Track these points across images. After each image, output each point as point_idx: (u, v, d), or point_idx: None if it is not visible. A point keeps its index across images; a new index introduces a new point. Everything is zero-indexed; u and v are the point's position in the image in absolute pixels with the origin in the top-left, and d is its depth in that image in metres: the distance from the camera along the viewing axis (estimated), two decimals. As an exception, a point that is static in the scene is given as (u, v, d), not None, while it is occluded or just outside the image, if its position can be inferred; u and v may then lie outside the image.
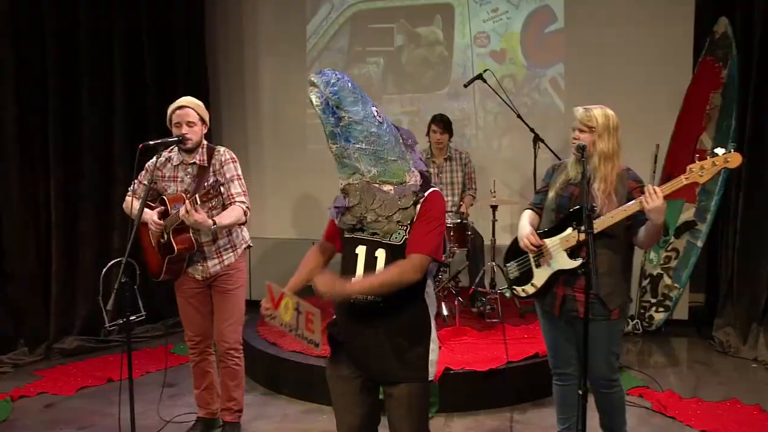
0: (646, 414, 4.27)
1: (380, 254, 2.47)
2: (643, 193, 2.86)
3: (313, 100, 2.35)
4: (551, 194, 3.20)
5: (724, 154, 2.78)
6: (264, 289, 2.57)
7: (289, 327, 2.51)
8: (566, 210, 3.09)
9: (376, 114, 2.44)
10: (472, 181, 6.02)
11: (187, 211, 3.40)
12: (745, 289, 5.49)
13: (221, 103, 7.35)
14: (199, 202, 3.39)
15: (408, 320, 2.51)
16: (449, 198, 5.89)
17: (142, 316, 3.74)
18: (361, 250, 2.49)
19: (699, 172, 2.80)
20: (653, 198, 2.79)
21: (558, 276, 3.11)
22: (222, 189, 3.39)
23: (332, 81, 2.35)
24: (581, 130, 3.04)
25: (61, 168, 5.72)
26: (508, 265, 3.38)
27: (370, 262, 2.47)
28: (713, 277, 6.12)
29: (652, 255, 5.90)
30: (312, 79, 2.36)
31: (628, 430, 3.37)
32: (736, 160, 2.77)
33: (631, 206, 2.90)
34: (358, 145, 2.40)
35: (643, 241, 3.01)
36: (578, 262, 2.99)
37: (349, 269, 2.51)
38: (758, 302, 5.35)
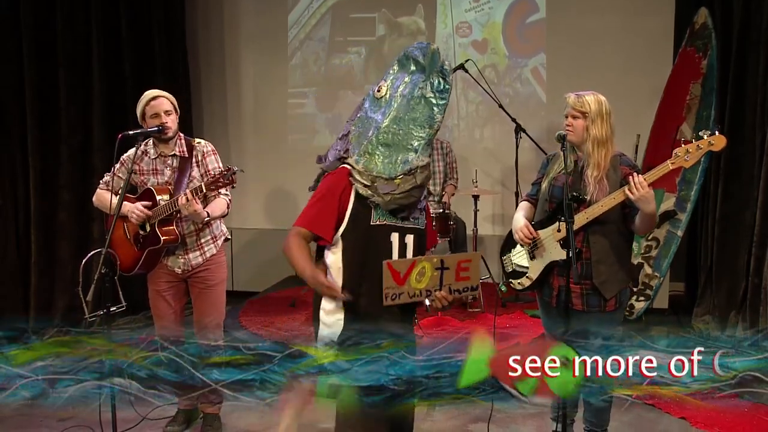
0: (627, 403, 4.30)
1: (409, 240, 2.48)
2: None
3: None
4: (545, 185, 3.19)
5: (709, 136, 2.77)
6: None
7: (427, 292, 2.39)
8: (558, 200, 3.07)
9: None
10: (454, 171, 6.02)
11: (187, 200, 3.38)
12: (724, 278, 5.53)
13: (202, 93, 7.28)
14: (205, 190, 3.36)
15: None
16: (431, 188, 5.89)
17: (122, 306, 3.70)
18: (394, 238, 2.45)
19: (684, 156, 2.79)
20: (638, 188, 2.79)
21: (552, 267, 3.10)
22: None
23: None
24: (574, 116, 3.02)
25: (39, 160, 5.64)
26: (503, 258, 3.38)
27: (402, 250, 2.45)
28: (693, 267, 6.17)
29: (633, 244, 5.93)
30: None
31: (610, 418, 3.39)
32: (720, 141, 2.77)
33: (618, 194, 2.90)
34: None
35: (639, 228, 3.01)
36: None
37: (375, 260, 2.37)
38: (737, 292, 5.39)
